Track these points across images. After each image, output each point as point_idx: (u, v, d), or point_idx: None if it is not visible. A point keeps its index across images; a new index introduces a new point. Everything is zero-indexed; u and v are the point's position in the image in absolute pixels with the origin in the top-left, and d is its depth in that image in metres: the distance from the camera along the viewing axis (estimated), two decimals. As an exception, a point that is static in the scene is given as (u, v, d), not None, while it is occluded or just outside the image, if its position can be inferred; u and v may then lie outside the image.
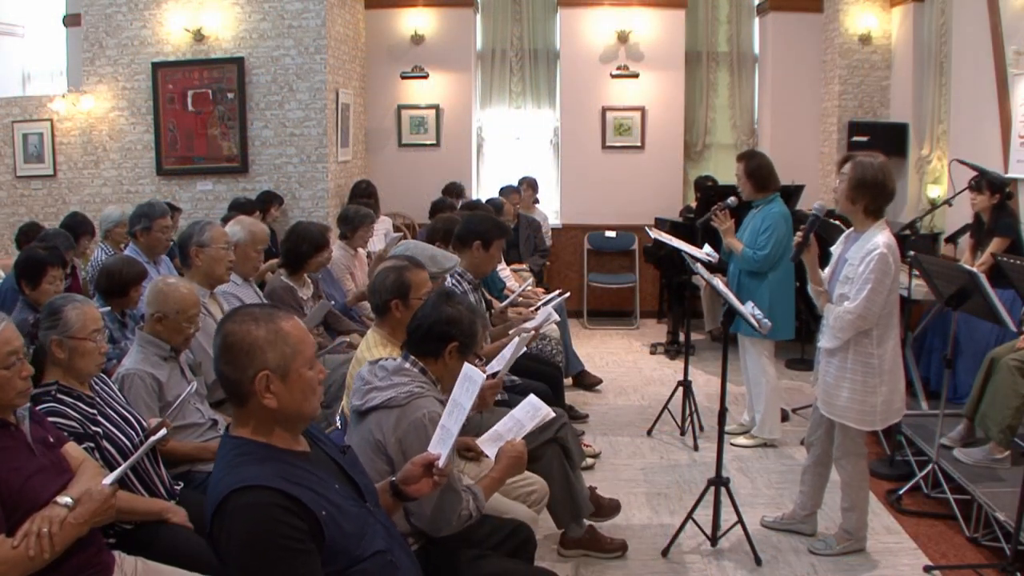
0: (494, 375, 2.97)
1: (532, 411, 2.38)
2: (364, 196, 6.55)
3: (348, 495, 1.77)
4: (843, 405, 3.12)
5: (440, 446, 1.99)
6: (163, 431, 2.38)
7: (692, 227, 5.02)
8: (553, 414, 2.54)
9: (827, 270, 3.26)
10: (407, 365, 2.34)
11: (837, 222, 4.13)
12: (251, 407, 1.69)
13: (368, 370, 2.36)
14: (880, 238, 3.00)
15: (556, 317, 3.81)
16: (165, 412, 2.72)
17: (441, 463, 1.95)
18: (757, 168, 4.30)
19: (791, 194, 6.11)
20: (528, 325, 3.65)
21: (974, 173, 4.59)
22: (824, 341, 3.18)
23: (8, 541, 1.86)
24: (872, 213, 3.07)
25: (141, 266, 3.71)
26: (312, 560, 1.60)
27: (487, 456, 2.35)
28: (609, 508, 3.55)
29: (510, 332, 3.63)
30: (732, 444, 4.45)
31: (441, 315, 2.34)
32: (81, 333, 2.41)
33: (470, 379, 2.03)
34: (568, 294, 4.61)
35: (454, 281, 3.73)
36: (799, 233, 3.18)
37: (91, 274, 4.74)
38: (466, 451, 2.90)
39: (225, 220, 4.65)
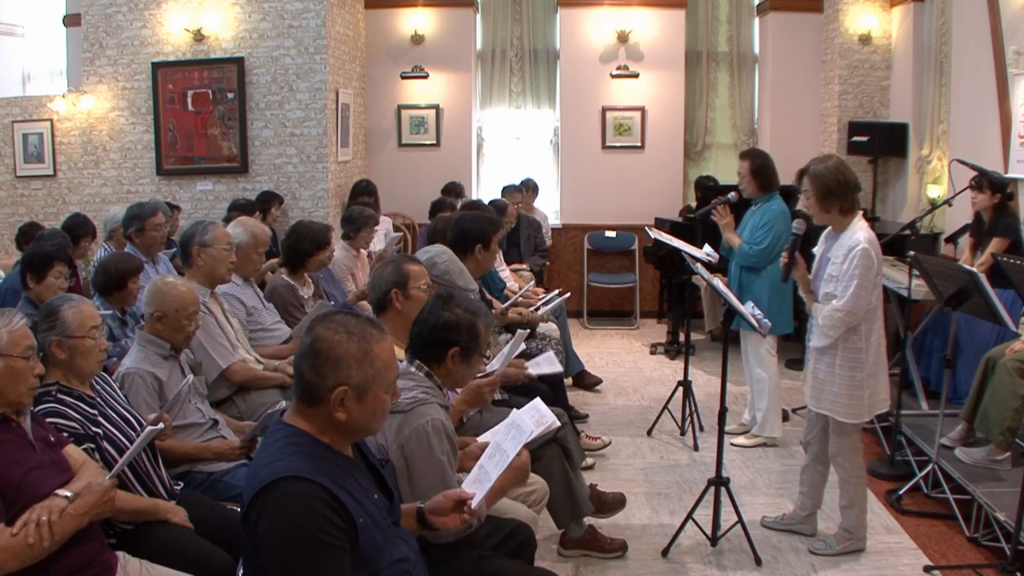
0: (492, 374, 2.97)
1: (538, 417, 2.36)
2: (365, 195, 6.56)
3: (383, 506, 1.79)
4: (833, 400, 3.15)
5: (476, 486, 1.99)
6: (160, 425, 2.38)
7: (692, 227, 5.02)
8: (559, 423, 2.52)
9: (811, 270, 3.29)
10: (412, 369, 2.33)
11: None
12: (320, 411, 1.69)
13: None
14: (860, 234, 3.04)
15: (557, 313, 3.72)
16: (164, 410, 2.72)
17: (474, 504, 1.95)
18: (762, 167, 4.30)
19: (791, 194, 6.10)
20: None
21: (974, 173, 4.59)
22: (815, 340, 3.21)
23: (7, 529, 1.87)
24: (848, 211, 3.11)
25: (136, 259, 3.74)
26: (344, 559, 1.62)
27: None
28: (614, 503, 3.54)
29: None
30: (732, 444, 4.45)
31: (439, 320, 2.32)
32: (79, 332, 2.41)
33: (517, 428, 2.01)
34: (568, 294, 4.62)
35: None
36: (784, 255, 3.24)
37: (92, 275, 4.74)
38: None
39: (226, 221, 4.65)
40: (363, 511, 1.67)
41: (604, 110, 7.61)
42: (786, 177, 4.87)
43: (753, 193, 4.36)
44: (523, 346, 3.48)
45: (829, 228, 3.21)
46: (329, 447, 1.71)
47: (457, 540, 2.21)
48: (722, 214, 4.39)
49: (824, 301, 3.12)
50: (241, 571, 1.76)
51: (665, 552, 3.36)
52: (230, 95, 6.48)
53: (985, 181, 4.56)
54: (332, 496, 1.61)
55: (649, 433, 4.72)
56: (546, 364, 3.44)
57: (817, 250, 3.27)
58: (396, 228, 7.17)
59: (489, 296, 4.51)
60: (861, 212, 3.15)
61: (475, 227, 3.85)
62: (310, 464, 1.63)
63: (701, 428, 4.66)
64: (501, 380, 3.10)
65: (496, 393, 2.96)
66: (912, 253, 3.92)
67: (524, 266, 6.55)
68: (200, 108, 6.52)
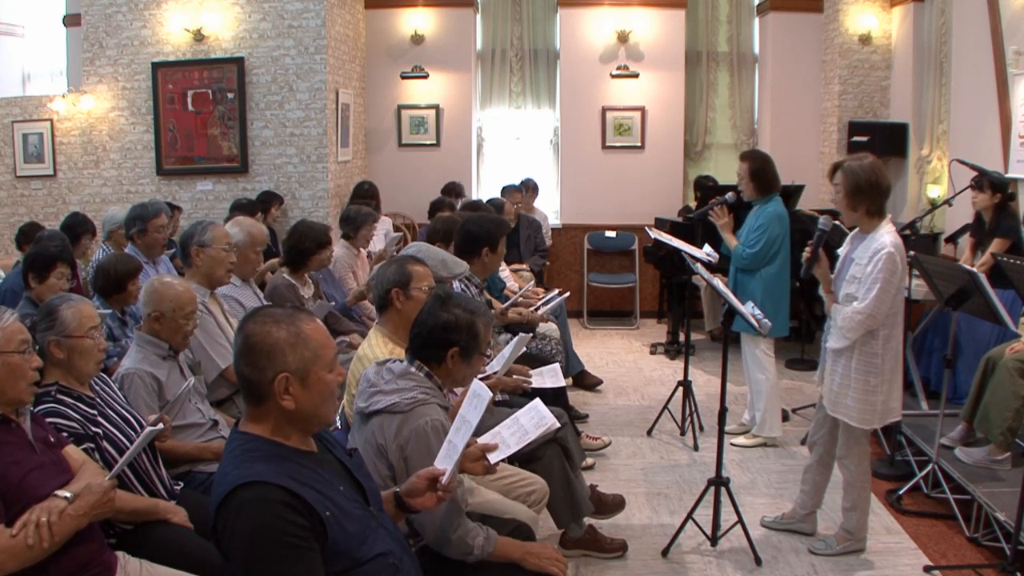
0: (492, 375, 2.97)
1: (537, 419, 2.35)
2: (366, 197, 6.56)
3: (352, 497, 1.77)
4: (849, 404, 3.13)
5: (446, 461, 1.98)
6: (160, 425, 2.38)
7: (692, 227, 5.01)
8: (558, 424, 2.52)
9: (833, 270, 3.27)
10: (412, 369, 2.33)
11: (838, 222, 4.14)
12: (268, 407, 1.69)
13: (375, 371, 2.34)
14: (887, 237, 3.01)
15: (557, 313, 3.69)
16: (165, 411, 2.72)
17: (445, 479, 1.95)
18: (761, 170, 4.28)
19: (791, 194, 6.11)
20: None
21: (974, 173, 4.59)
22: (832, 342, 3.17)
23: (7, 531, 1.87)
24: (875, 213, 3.08)
25: (135, 260, 3.73)
26: (314, 558, 1.61)
27: (493, 466, 2.25)
28: (613, 504, 3.54)
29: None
30: (732, 444, 4.45)
31: (438, 321, 2.32)
32: (78, 332, 2.41)
33: (477, 396, 2.01)
34: (568, 294, 4.62)
35: (462, 286, 3.72)
36: (808, 249, 3.20)
37: (92, 275, 4.74)
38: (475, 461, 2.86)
39: (227, 221, 4.64)
40: (329, 503, 1.66)
41: (604, 110, 7.61)
42: (786, 178, 4.86)
43: (752, 195, 4.34)
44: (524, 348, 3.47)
45: (856, 229, 3.19)
46: (283, 445, 1.70)
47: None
48: (719, 214, 4.38)
49: (844, 302, 3.10)
50: None
51: (665, 552, 3.36)
52: (230, 95, 6.48)
53: (986, 181, 4.56)
54: (293, 495, 1.60)
55: (649, 433, 4.72)
56: (549, 376, 3.45)
57: (842, 250, 3.25)
58: (396, 228, 7.16)
59: (489, 296, 4.51)
60: (889, 217, 3.13)
61: (482, 230, 3.84)
62: (266, 466, 1.63)
63: (701, 428, 4.66)
64: (501, 388, 3.10)
65: (496, 394, 2.96)
66: (912, 253, 3.92)
67: (524, 266, 6.55)
68: (200, 108, 6.52)
